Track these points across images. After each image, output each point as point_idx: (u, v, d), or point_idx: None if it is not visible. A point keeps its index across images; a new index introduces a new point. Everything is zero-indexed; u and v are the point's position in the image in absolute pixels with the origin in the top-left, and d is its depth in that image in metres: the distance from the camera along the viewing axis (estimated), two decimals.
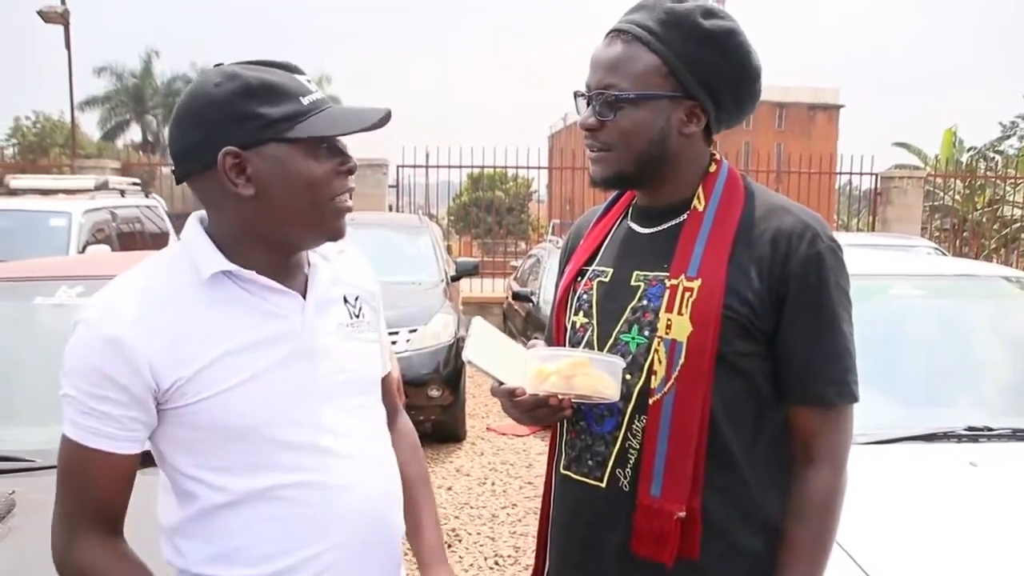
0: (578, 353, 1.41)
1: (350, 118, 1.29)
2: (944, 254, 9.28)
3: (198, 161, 1.26)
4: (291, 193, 1.26)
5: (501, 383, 1.41)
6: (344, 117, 1.29)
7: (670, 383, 1.37)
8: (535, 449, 6.33)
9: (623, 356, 1.41)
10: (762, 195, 1.47)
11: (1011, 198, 15.07)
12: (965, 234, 14.53)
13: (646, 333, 1.41)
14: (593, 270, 1.55)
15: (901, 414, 2.76)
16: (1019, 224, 14.90)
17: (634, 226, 1.54)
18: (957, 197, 15.37)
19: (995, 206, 15.43)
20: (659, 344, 1.38)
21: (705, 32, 1.37)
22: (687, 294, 1.37)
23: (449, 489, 5.49)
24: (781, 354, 1.39)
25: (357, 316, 1.45)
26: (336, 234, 1.34)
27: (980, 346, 3.21)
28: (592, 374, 1.36)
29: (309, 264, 1.41)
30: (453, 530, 4.79)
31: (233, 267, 1.29)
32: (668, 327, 1.38)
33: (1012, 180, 14.86)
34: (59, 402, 2.73)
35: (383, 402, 1.53)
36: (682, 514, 1.35)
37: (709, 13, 1.39)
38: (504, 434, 6.74)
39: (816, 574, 1.40)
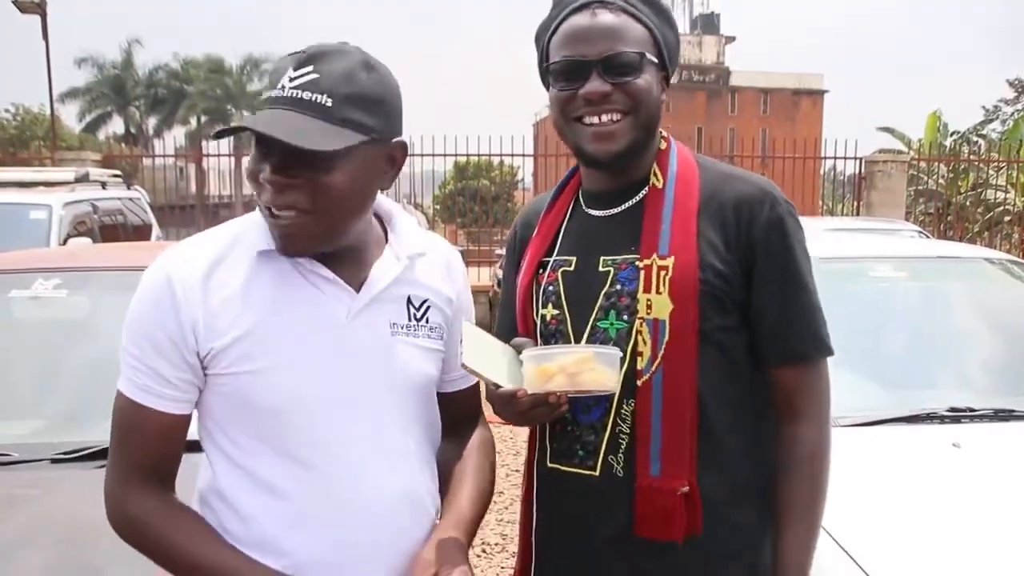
0: (580, 349, 1.38)
1: (248, 123, 1.20)
2: (928, 237, 9.31)
3: None
4: None
5: (498, 387, 1.37)
6: (251, 121, 1.21)
7: (657, 362, 1.38)
8: (522, 437, 6.32)
9: (602, 343, 1.41)
10: (713, 167, 1.51)
11: (994, 182, 15.14)
12: (949, 218, 14.60)
13: (625, 317, 1.41)
14: (555, 261, 1.53)
15: (884, 396, 2.77)
16: (1002, 207, 14.99)
17: (590, 211, 1.53)
18: (941, 181, 15.43)
19: (979, 190, 15.50)
20: (642, 325, 1.39)
21: (662, 6, 1.47)
22: (662, 272, 1.38)
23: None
24: (756, 319, 1.43)
25: (418, 320, 1.40)
26: (276, 240, 1.28)
27: (962, 328, 3.22)
28: (597, 368, 1.34)
29: (373, 255, 1.38)
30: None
31: None
32: (649, 307, 1.38)
33: (995, 164, 14.92)
34: (38, 395, 2.73)
35: (464, 408, 1.52)
36: (685, 489, 1.36)
37: None
38: (491, 421, 6.72)
39: (813, 535, 1.43)
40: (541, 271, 1.54)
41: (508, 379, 1.38)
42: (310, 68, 1.22)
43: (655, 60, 1.43)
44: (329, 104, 1.21)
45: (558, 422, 1.48)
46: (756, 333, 1.44)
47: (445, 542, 1.35)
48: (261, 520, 1.29)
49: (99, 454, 2.15)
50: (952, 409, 2.59)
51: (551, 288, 1.51)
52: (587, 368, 1.33)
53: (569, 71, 1.42)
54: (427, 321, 1.41)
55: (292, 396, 1.27)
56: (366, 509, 1.32)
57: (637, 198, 1.48)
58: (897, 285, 3.25)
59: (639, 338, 1.39)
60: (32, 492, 2.11)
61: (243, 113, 39.96)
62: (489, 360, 1.40)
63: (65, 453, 2.22)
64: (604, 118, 1.41)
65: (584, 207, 1.55)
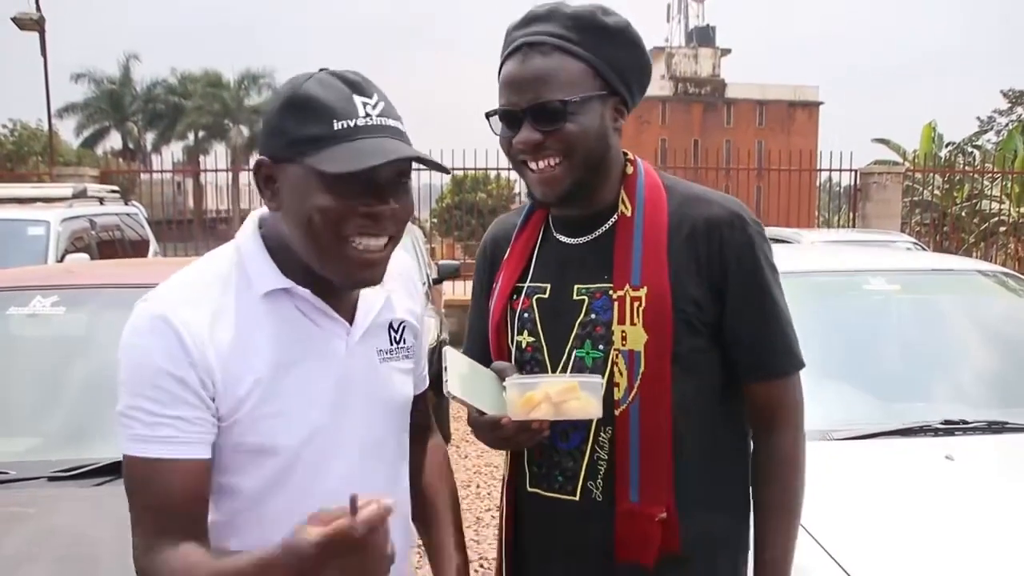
0: (564, 379, 1.40)
1: (368, 155, 1.17)
2: (924, 249, 9.34)
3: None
4: (300, 219, 1.21)
5: (482, 413, 1.39)
6: (365, 153, 1.17)
7: (634, 392, 1.40)
8: None
9: (579, 372, 1.44)
10: (680, 188, 1.51)
11: (989, 192, 15.19)
12: (945, 229, 14.63)
13: (601, 347, 1.43)
14: (529, 287, 1.53)
15: (878, 409, 2.78)
16: (997, 218, 15.04)
17: (561, 237, 1.53)
18: (937, 192, 15.48)
19: (974, 201, 15.55)
20: (618, 356, 1.41)
21: (611, 30, 1.41)
22: (636, 303, 1.40)
23: None
24: (731, 340, 1.45)
25: (397, 343, 1.42)
26: (351, 282, 1.26)
27: (956, 340, 3.23)
28: (581, 397, 1.36)
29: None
30: None
31: (289, 284, 1.27)
32: (624, 338, 1.40)
33: (990, 175, 14.98)
34: (36, 413, 2.71)
35: (416, 418, 1.50)
36: (663, 515, 1.38)
37: (605, 11, 1.42)
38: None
39: (793, 536, 1.49)
40: (515, 296, 1.54)
41: (492, 405, 1.39)
42: (367, 99, 1.22)
43: (597, 93, 1.40)
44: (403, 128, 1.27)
45: (537, 447, 1.49)
46: (732, 353, 1.46)
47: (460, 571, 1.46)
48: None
49: (96, 472, 2.16)
50: (946, 421, 2.59)
51: (526, 315, 1.51)
52: (572, 397, 1.35)
53: (505, 119, 1.43)
54: (404, 343, 1.44)
55: (307, 436, 1.27)
56: None
57: (607, 226, 1.48)
58: (891, 298, 3.26)
59: (615, 369, 1.41)
60: (29, 510, 2.11)
61: (240, 128, 40.03)
62: (472, 387, 1.41)
63: (63, 471, 2.22)
64: (541, 164, 1.41)
65: (555, 233, 1.55)
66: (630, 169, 1.51)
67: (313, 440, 1.28)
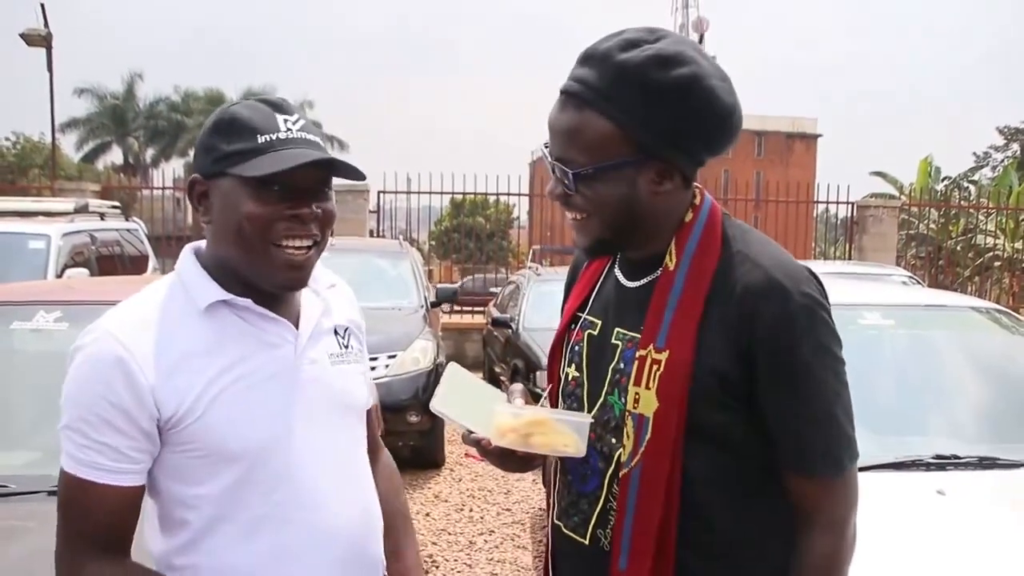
0: (539, 412, 1.38)
1: (288, 161, 1.26)
2: (919, 283, 9.38)
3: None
4: (230, 228, 1.30)
5: (471, 432, 1.40)
6: (286, 159, 1.26)
7: (637, 458, 1.31)
8: (513, 475, 6.32)
9: (609, 418, 1.38)
10: (738, 244, 1.34)
11: (984, 227, 15.30)
12: (940, 263, 14.71)
13: (623, 400, 1.35)
14: (584, 319, 1.48)
15: (870, 442, 2.78)
16: (992, 253, 15.13)
17: (619, 276, 1.45)
18: (933, 226, 15.59)
19: (969, 235, 15.66)
20: (628, 418, 1.33)
21: (662, 86, 1.23)
22: (654, 367, 1.30)
23: (427, 515, 5.47)
24: (762, 422, 1.30)
25: (346, 347, 1.48)
26: (278, 285, 1.33)
27: (949, 375, 3.27)
28: (552, 432, 1.33)
29: (300, 295, 1.43)
30: (430, 556, 4.78)
31: (228, 296, 1.32)
32: (636, 401, 1.31)
33: (985, 210, 15.11)
34: (37, 426, 2.72)
35: (365, 434, 1.56)
36: None
37: (664, 62, 1.24)
38: (483, 460, 6.70)
39: None
40: (573, 325, 1.51)
41: (484, 425, 1.38)
42: (288, 116, 1.33)
43: (622, 161, 1.27)
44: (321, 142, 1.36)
45: (562, 480, 1.47)
46: (765, 434, 1.30)
47: None
48: (246, 566, 1.31)
49: None
50: (938, 456, 2.62)
51: (576, 348, 1.47)
52: (539, 431, 1.33)
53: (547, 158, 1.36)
54: (351, 348, 1.50)
55: (263, 440, 1.31)
56: (342, 533, 1.39)
57: (653, 275, 1.37)
58: (885, 333, 3.29)
59: (625, 429, 1.33)
60: (29, 524, 2.12)
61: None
62: (465, 404, 1.42)
63: None
64: (569, 215, 1.36)
65: (616, 269, 1.47)
66: (689, 216, 1.37)
67: (273, 445, 1.32)
